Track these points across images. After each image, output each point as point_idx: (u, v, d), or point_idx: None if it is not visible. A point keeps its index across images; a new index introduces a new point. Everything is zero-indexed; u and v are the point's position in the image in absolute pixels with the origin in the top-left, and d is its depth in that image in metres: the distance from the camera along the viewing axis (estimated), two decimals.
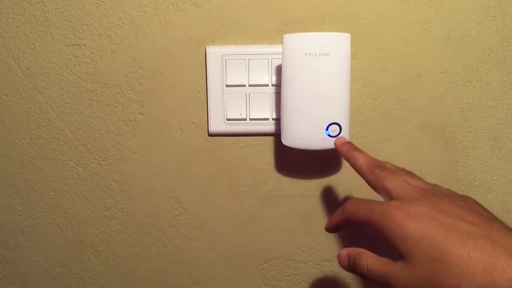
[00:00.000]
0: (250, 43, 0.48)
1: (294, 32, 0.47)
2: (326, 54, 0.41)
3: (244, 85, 0.48)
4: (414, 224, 0.30)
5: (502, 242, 0.27)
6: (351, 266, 0.35)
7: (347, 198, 0.51)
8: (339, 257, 0.36)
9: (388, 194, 0.34)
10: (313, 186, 0.51)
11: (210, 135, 0.50)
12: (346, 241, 0.52)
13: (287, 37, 0.42)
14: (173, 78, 0.49)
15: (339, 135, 0.43)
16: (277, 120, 0.49)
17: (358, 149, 0.40)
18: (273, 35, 0.48)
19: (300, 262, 0.53)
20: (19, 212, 0.54)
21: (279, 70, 0.47)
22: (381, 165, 0.36)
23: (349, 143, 0.41)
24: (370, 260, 0.33)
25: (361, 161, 0.38)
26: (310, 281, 0.54)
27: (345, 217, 0.36)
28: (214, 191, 0.52)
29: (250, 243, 0.53)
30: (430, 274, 0.28)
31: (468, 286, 0.26)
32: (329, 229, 0.39)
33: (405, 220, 0.30)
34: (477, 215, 0.30)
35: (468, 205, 0.32)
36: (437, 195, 0.32)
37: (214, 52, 0.48)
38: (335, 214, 0.38)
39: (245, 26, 0.48)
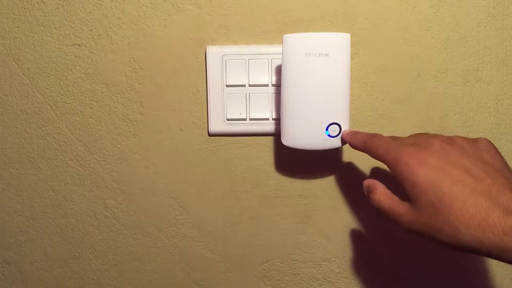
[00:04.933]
0: (250, 43, 0.48)
1: (294, 32, 0.47)
2: (326, 54, 0.41)
3: (244, 85, 0.48)
4: (423, 172, 0.32)
5: (499, 199, 0.29)
6: (367, 196, 0.38)
7: (347, 198, 0.51)
8: (363, 185, 0.40)
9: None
10: (313, 186, 0.51)
11: (210, 135, 0.50)
12: (346, 242, 0.52)
13: (287, 37, 0.42)
14: (173, 78, 0.49)
15: (340, 134, 0.43)
16: (277, 120, 0.49)
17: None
18: (273, 35, 0.48)
19: (300, 262, 0.53)
20: (19, 212, 0.54)
21: (279, 70, 0.47)
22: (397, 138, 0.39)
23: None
24: (382, 197, 0.36)
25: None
26: (310, 281, 0.54)
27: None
28: (214, 191, 0.52)
29: (250, 243, 0.53)
30: (432, 220, 0.31)
31: (463, 237, 0.29)
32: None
33: (415, 167, 0.32)
34: (485, 167, 0.31)
35: (479, 153, 0.33)
36: (450, 142, 0.34)
37: (214, 52, 0.48)
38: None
39: (245, 26, 0.48)
